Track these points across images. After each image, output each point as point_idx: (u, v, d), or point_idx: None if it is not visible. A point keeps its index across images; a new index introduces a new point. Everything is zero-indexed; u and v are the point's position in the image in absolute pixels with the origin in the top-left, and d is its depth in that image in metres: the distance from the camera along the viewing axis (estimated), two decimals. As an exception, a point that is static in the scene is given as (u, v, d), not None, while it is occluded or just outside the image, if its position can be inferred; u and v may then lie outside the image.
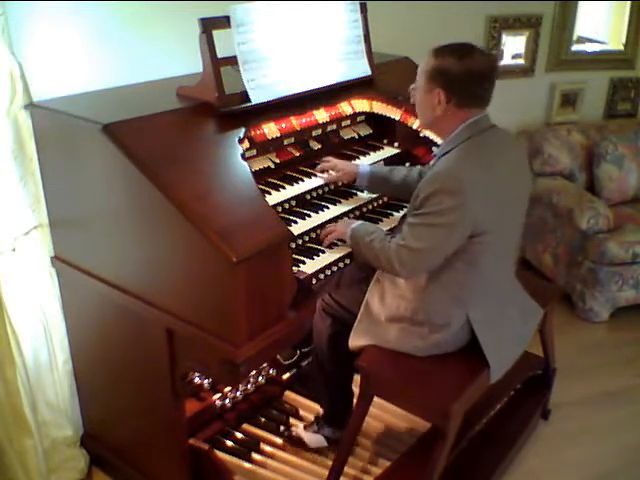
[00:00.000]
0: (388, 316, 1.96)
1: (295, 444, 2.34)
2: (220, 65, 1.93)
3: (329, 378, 2.23)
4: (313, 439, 2.32)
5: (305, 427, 2.37)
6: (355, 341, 2.01)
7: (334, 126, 2.48)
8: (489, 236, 1.79)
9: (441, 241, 1.76)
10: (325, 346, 2.16)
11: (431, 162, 2.01)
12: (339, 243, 2.08)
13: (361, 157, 2.45)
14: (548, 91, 3.90)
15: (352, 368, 2.23)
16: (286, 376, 2.62)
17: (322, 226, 2.12)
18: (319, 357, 2.21)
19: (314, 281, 1.95)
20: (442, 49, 1.80)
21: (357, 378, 2.05)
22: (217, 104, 1.94)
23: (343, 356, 2.12)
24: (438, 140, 2.39)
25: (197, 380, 2.32)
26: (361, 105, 2.48)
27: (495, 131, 1.87)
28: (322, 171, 2.25)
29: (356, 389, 2.03)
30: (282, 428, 2.40)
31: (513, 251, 2.01)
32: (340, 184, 2.32)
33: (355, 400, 2.04)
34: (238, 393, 2.44)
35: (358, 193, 2.32)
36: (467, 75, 1.76)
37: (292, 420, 2.46)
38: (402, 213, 2.33)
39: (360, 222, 2.04)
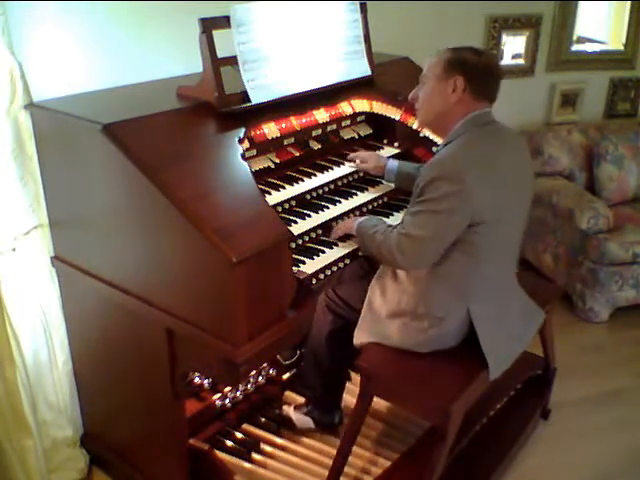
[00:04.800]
0: (389, 312, 1.96)
1: (283, 423, 2.39)
2: (220, 65, 1.93)
3: (324, 373, 2.23)
4: (301, 420, 2.36)
5: (295, 408, 2.41)
6: (359, 339, 2.02)
7: (334, 126, 2.48)
8: (488, 227, 1.79)
9: (441, 228, 1.77)
10: (324, 342, 2.16)
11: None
12: (339, 242, 2.09)
13: (361, 157, 2.45)
14: (548, 91, 3.90)
15: (348, 363, 2.25)
16: (286, 376, 2.62)
17: (322, 226, 2.12)
18: (316, 352, 2.22)
19: (314, 281, 1.95)
20: (456, 47, 1.89)
21: (357, 378, 2.05)
22: (217, 104, 1.94)
23: (341, 353, 2.13)
24: (438, 140, 2.40)
25: (197, 380, 2.32)
26: (361, 105, 2.49)
27: (496, 126, 1.89)
28: (353, 160, 2.35)
29: (356, 389, 2.03)
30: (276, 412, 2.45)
31: (514, 249, 2.01)
32: (340, 183, 2.33)
33: (355, 400, 2.03)
34: (238, 393, 2.44)
35: (358, 193, 2.32)
36: (486, 68, 1.86)
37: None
38: (403, 213, 2.34)
39: (366, 216, 2.07)
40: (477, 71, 1.83)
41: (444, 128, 1.90)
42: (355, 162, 2.37)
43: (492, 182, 1.78)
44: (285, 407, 2.43)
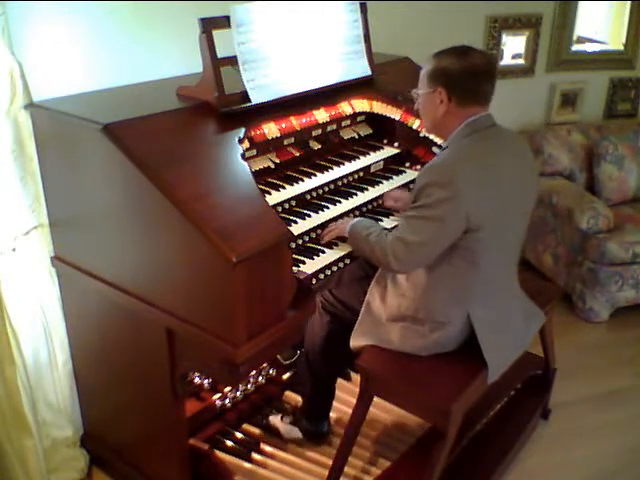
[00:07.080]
0: (389, 316, 1.96)
1: (271, 433, 2.37)
2: (220, 65, 1.93)
3: (316, 377, 2.23)
4: (289, 430, 2.35)
5: (282, 417, 2.39)
6: (356, 341, 2.02)
7: (334, 126, 2.48)
8: (486, 232, 1.79)
9: (434, 235, 1.77)
10: (318, 345, 2.16)
11: None
12: (339, 243, 2.09)
13: (361, 157, 2.45)
14: (548, 91, 3.90)
15: (341, 370, 2.25)
16: (286, 376, 2.63)
17: (322, 226, 2.12)
18: (309, 355, 2.22)
19: (314, 281, 1.95)
20: (441, 51, 1.86)
21: (357, 378, 2.05)
22: (217, 104, 1.94)
23: (335, 356, 2.13)
24: (438, 140, 2.40)
25: (197, 380, 2.32)
26: (361, 105, 2.48)
27: (496, 130, 1.88)
28: (388, 201, 2.34)
29: (356, 389, 2.03)
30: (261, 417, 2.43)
31: (515, 252, 2.00)
32: (340, 183, 2.33)
33: (355, 400, 2.03)
34: (238, 393, 2.44)
35: (358, 193, 2.32)
36: (465, 72, 1.80)
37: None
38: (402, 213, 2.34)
39: (359, 218, 2.06)
40: (459, 79, 1.80)
41: (446, 133, 1.90)
42: (386, 201, 2.34)
43: (489, 186, 1.78)
44: (271, 417, 2.41)
